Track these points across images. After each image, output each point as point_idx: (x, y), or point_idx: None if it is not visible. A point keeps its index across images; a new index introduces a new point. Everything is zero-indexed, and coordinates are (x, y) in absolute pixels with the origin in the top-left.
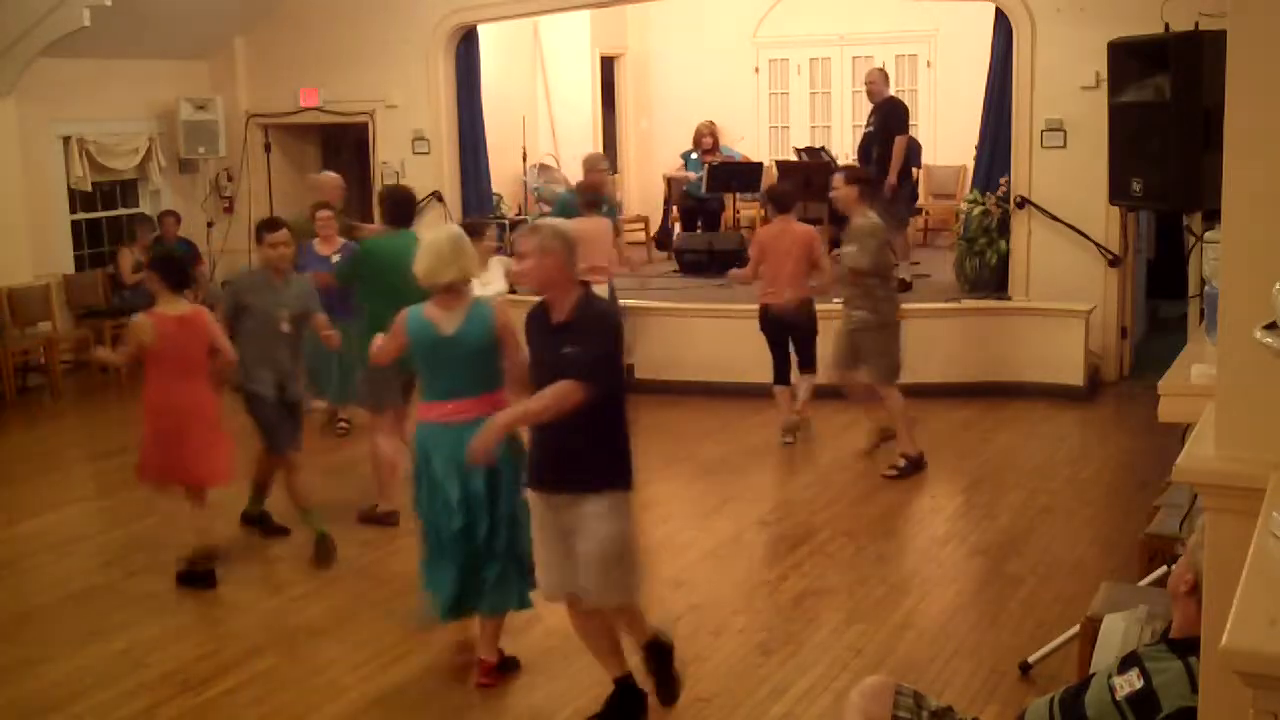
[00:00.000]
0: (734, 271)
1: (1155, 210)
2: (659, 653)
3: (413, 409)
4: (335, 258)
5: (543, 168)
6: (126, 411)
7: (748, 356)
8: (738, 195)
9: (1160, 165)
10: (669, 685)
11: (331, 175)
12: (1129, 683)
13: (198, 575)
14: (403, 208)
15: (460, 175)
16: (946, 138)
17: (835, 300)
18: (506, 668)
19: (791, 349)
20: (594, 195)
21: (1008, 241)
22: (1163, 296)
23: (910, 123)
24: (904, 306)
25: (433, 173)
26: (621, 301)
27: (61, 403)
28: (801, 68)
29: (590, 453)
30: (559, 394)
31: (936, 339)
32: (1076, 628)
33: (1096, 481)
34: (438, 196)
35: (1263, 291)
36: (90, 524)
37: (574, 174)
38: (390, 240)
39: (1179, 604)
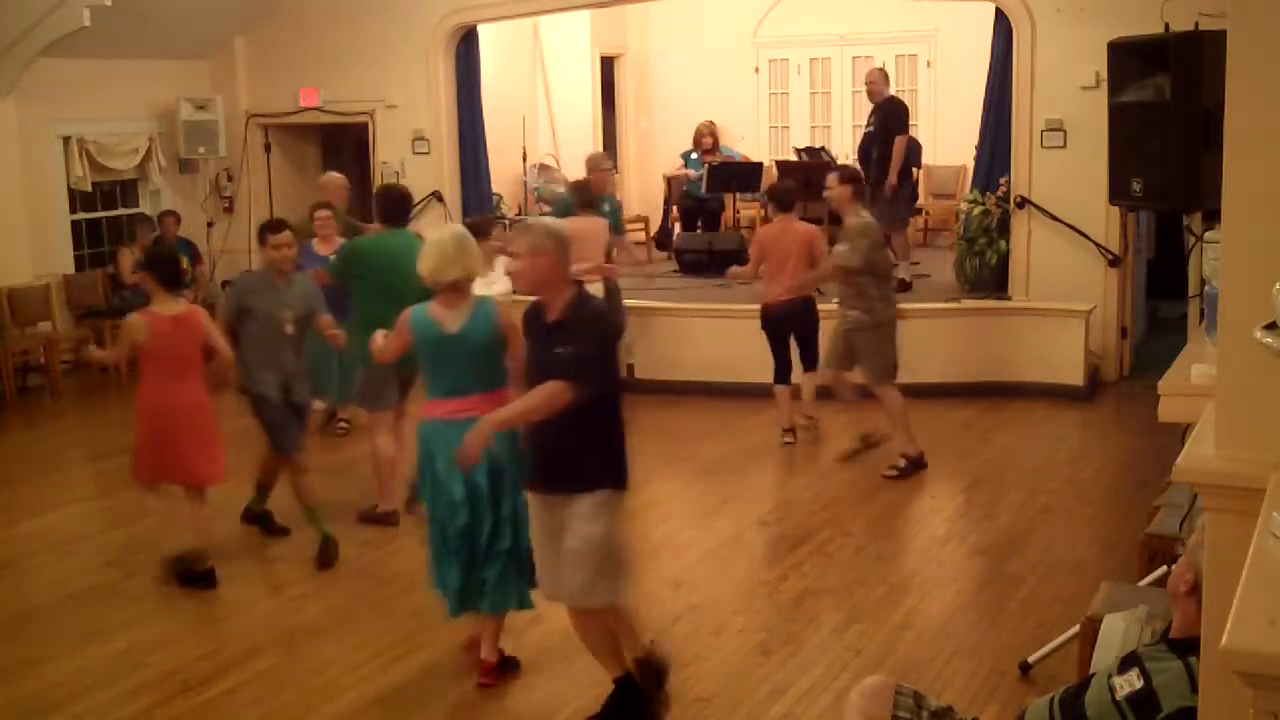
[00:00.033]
0: (734, 269)
1: (1155, 210)
2: (646, 676)
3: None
4: (333, 258)
5: (543, 168)
6: (126, 411)
7: (748, 356)
8: (738, 195)
9: (1160, 165)
10: (643, 714)
11: (336, 176)
12: (1129, 683)
13: (197, 575)
14: (397, 207)
15: (460, 175)
16: (946, 138)
17: (835, 300)
18: (506, 668)
19: (794, 349)
20: (589, 195)
21: (1008, 241)
22: (1163, 296)
23: (910, 123)
24: (904, 306)
25: (433, 173)
26: (626, 301)
27: (61, 403)
28: (801, 68)
29: (582, 452)
30: (548, 394)
31: (936, 339)
32: (1076, 628)
33: (1096, 481)
34: (438, 196)
35: (1263, 291)
36: (90, 524)
37: (574, 174)
38: (383, 239)
39: (1179, 604)
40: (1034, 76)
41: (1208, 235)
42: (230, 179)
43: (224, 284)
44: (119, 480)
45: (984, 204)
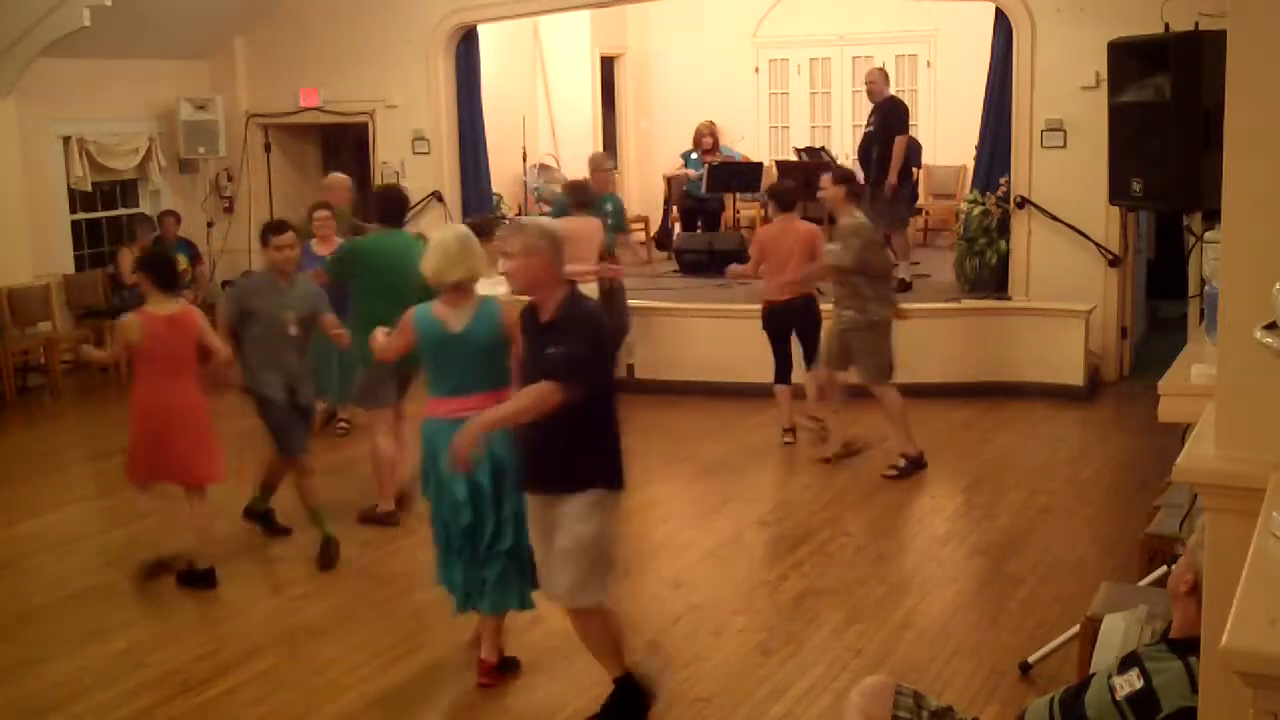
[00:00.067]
0: (734, 266)
1: (1155, 210)
2: (630, 693)
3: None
4: (330, 257)
5: (543, 168)
6: (126, 411)
7: (748, 356)
8: (738, 195)
9: (1160, 165)
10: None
11: (341, 177)
12: (1129, 683)
13: (198, 575)
14: (394, 207)
15: (460, 175)
16: (946, 138)
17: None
18: (506, 668)
19: (795, 348)
20: (584, 195)
21: (1008, 241)
22: (1163, 296)
23: (910, 123)
24: (904, 306)
25: (433, 173)
26: (630, 302)
27: (61, 403)
28: (801, 68)
29: (573, 453)
30: (537, 395)
31: (936, 339)
32: (1076, 628)
33: (1096, 481)
34: (438, 196)
35: (1263, 291)
36: (90, 524)
37: (574, 174)
38: (380, 239)
39: (1179, 604)
40: (1034, 76)
41: (1208, 235)
42: (230, 179)
43: (224, 284)
44: (119, 480)
45: (984, 204)
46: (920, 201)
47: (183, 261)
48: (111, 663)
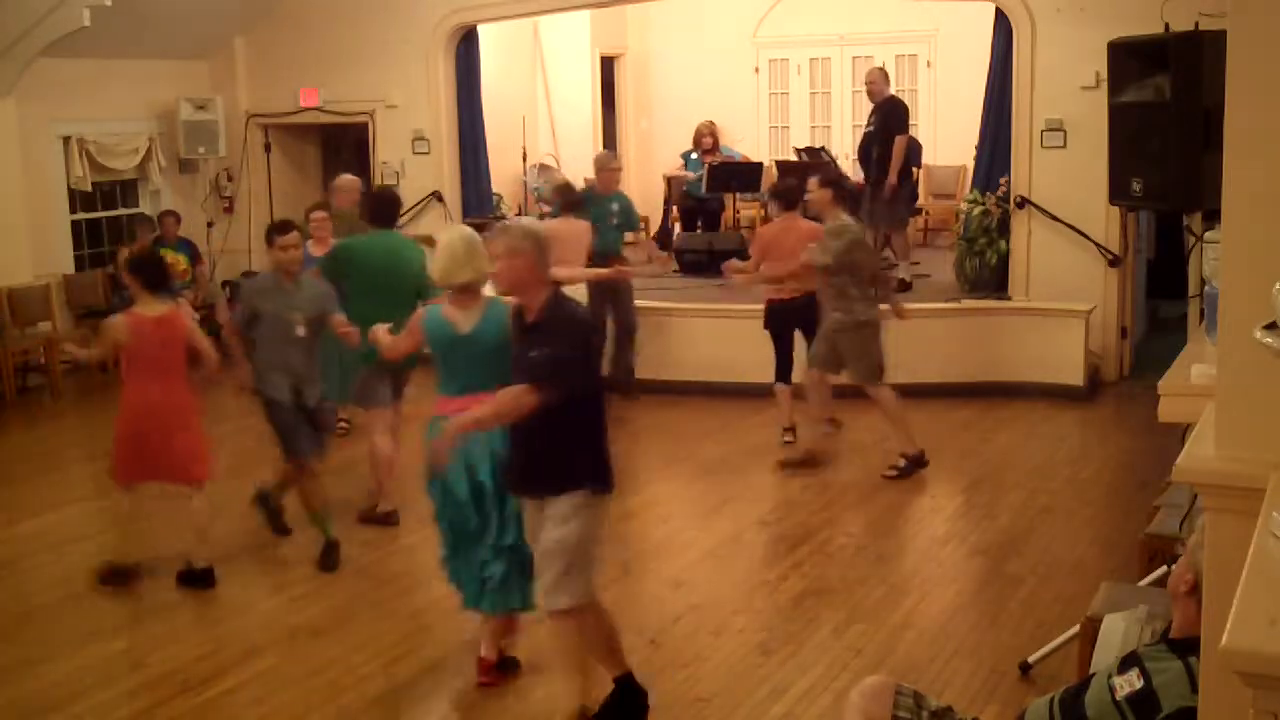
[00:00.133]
0: (732, 261)
1: (1155, 210)
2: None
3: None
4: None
5: (543, 168)
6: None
7: (748, 356)
8: (738, 195)
9: (1160, 165)
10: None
11: (352, 179)
12: (1129, 683)
13: (197, 575)
14: (385, 208)
15: (460, 175)
16: (946, 138)
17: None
18: (506, 667)
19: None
20: (573, 197)
21: (1008, 241)
22: (1163, 296)
23: (910, 123)
24: (905, 306)
25: (433, 173)
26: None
27: (61, 403)
28: (801, 68)
29: (557, 455)
30: (513, 398)
31: (936, 339)
32: (1076, 628)
33: (1096, 481)
34: (438, 196)
35: (1263, 291)
36: (90, 524)
37: (574, 174)
38: (373, 239)
39: (1179, 604)
40: (1034, 76)
41: (1208, 235)
42: (230, 179)
43: (224, 284)
44: None
45: (984, 204)
46: (920, 201)
47: (183, 261)
48: (111, 663)
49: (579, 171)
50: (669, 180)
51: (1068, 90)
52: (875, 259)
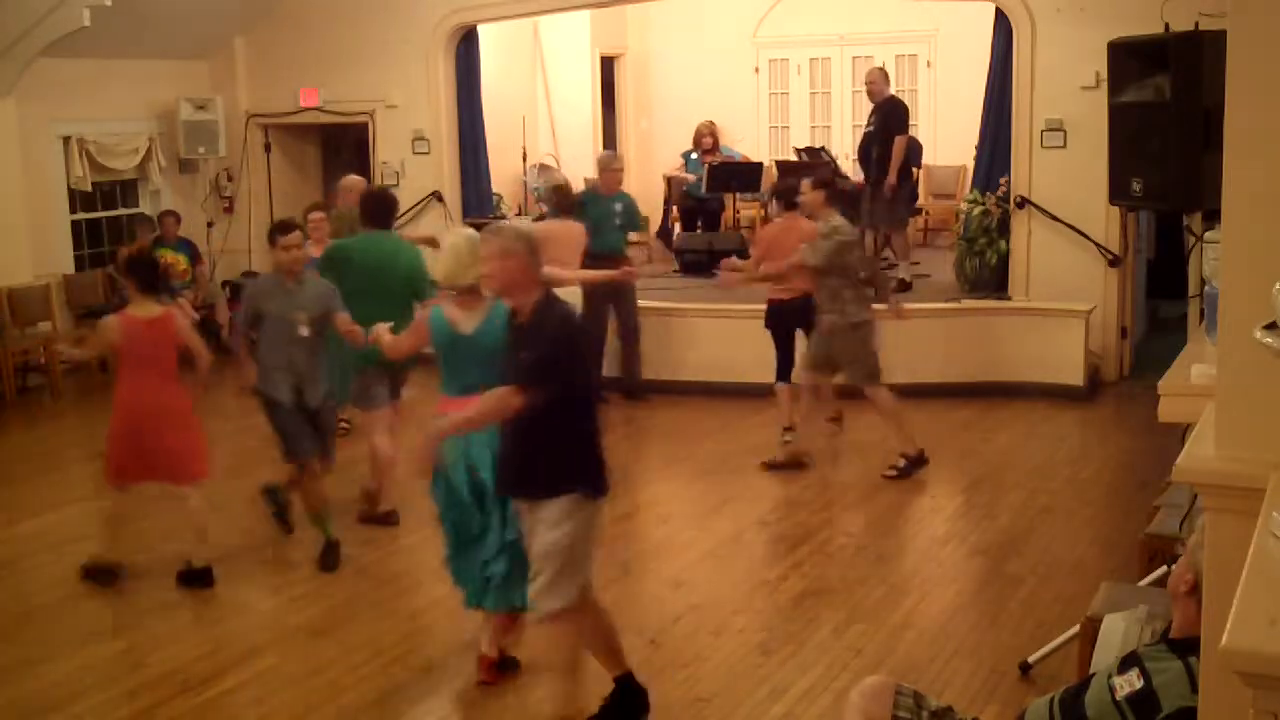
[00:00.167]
0: (732, 260)
1: (1155, 210)
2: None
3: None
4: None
5: (543, 168)
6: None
7: (748, 356)
8: (738, 195)
9: (1160, 165)
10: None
11: (358, 179)
12: (1129, 683)
13: (196, 574)
14: (380, 209)
15: (460, 175)
16: (946, 138)
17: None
18: (506, 666)
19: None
20: (566, 199)
21: (1008, 241)
22: (1163, 296)
23: (910, 123)
24: (905, 306)
25: (433, 173)
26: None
27: (61, 403)
28: (801, 68)
29: (546, 458)
30: (497, 400)
31: (936, 339)
32: (1076, 628)
33: (1096, 481)
34: (438, 196)
35: (1263, 291)
36: (90, 524)
37: (574, 174)
38: (368, 240)
39: (1179, 604)
40: (1034, 76)
41: (1208, 235)
42: (230, 179)
43: (224, 284)
44: None
45: (984, 204)
46: (920, 201)
47: (183, 261)
48: (111, 663)
49: (579, 171)
50: (669, 180)
51: (1068, 90)
52: (869, 260)
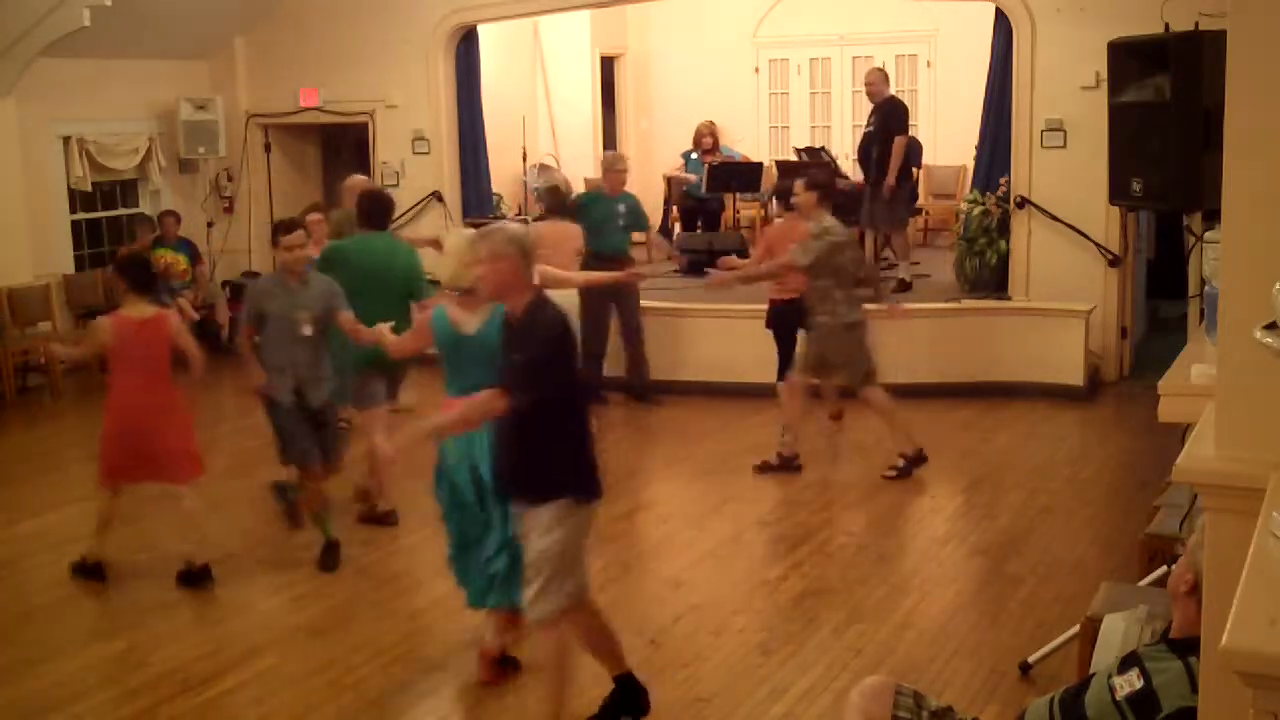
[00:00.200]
0: (731, 258)
1: (1155, 210)
2: (629, 691)
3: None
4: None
5: (543, 168)
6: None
7: (748, 356)
8: (738, 195)
9: (1160, 165)
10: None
11: (362, 178)
12: (1129, 683)
13: (195, 574)
14: (377, 210)
15: (460, 175)
16: (946, 138)
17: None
18: (507, 665)
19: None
20: (560, 200)
21: (1008, 241)
22: (1163, 296)
23: (910, 123)
24: (905, 306)
25: (433, 173)
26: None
27: (61, 403)
28: (801, 68)
29: (536, 462)
30: (482, 402)
31: (937, 339)
32: (1076, 628)
33: (1096, 481)
34: (438, 196)
35: (1263, 291)
36: (90, 524)
37: (574, 174)
38: (364, 240)
39: (1179, 604)
40: (1034, 76)
41: (1208, 235)
42: (230, 179)
43: (224, 284)
44: None
45: (984, 204)
46: (920, 201)
47: (183, 261)
48: (112, 663)
49: (579, 171)
50: (669, 180)
51: (1068, 90)
52: (863, 260)
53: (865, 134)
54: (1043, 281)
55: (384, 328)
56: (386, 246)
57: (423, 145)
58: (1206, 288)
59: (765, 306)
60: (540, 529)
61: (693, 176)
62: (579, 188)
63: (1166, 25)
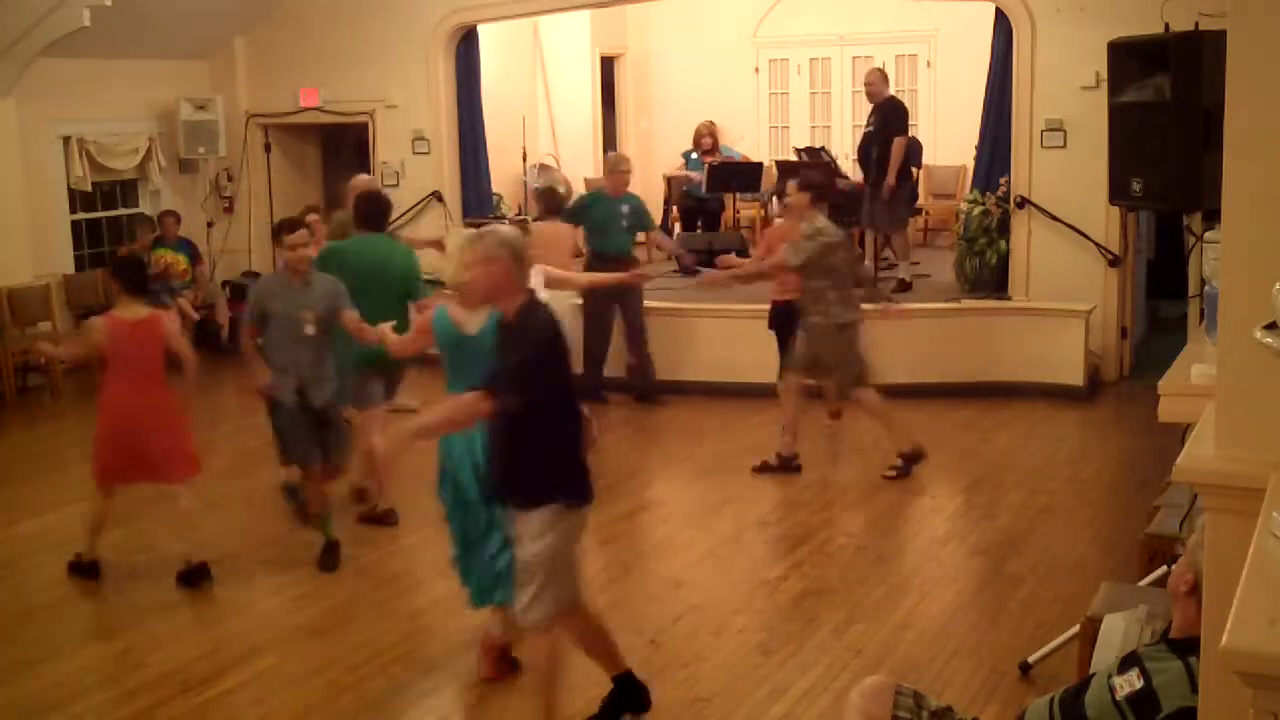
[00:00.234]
0: (729, 257)
1: (1155, 210)
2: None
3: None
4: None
5: (543, 168)
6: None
7: (748, 356)
8: (738, 195)
9: (1160, 165)
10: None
11: (367, 178)
12: (1129, 683)
13: (193, 572)
14: (374, 211)
15: (460, 175)
16: (946, 138)
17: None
18: (507, 663)
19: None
20: (554, 201)
21: (1008, 241)
22: (1163, 296)
23: (910, 123)
24: (905, 306)
25: (433, 173)
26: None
27: (61, 403)
28: (801, 68)
29: (526, 467)
30: (466, 403)
31: (937, 339)
32: (1076, 628)
33: (1096, 481)
34: (438, 196)
35: (1263, 291)
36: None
37: (574, 174)
38: (362, 241)
39: (1179, 604)
40: (1034, 76)
41: (1208, 235)
42: (230, 179)
43: (224, 284)
44: None
45: (984, 204)
46: (920, 201)
47: (183, 261)
48: (111, 663)
49: (579, 171)
50: (669, 180)
51: (1068, 90)
52: (850, 260)
53: (865, 134)
54: (1043, 281)
55: (386, 327)
56: (384, 248)
57: (423, 145)
58: (1206, 288)
59: (767, 307)
60: (531, 534)
61: (695, 175)
62: (579, 188)
63: (1166, 25)
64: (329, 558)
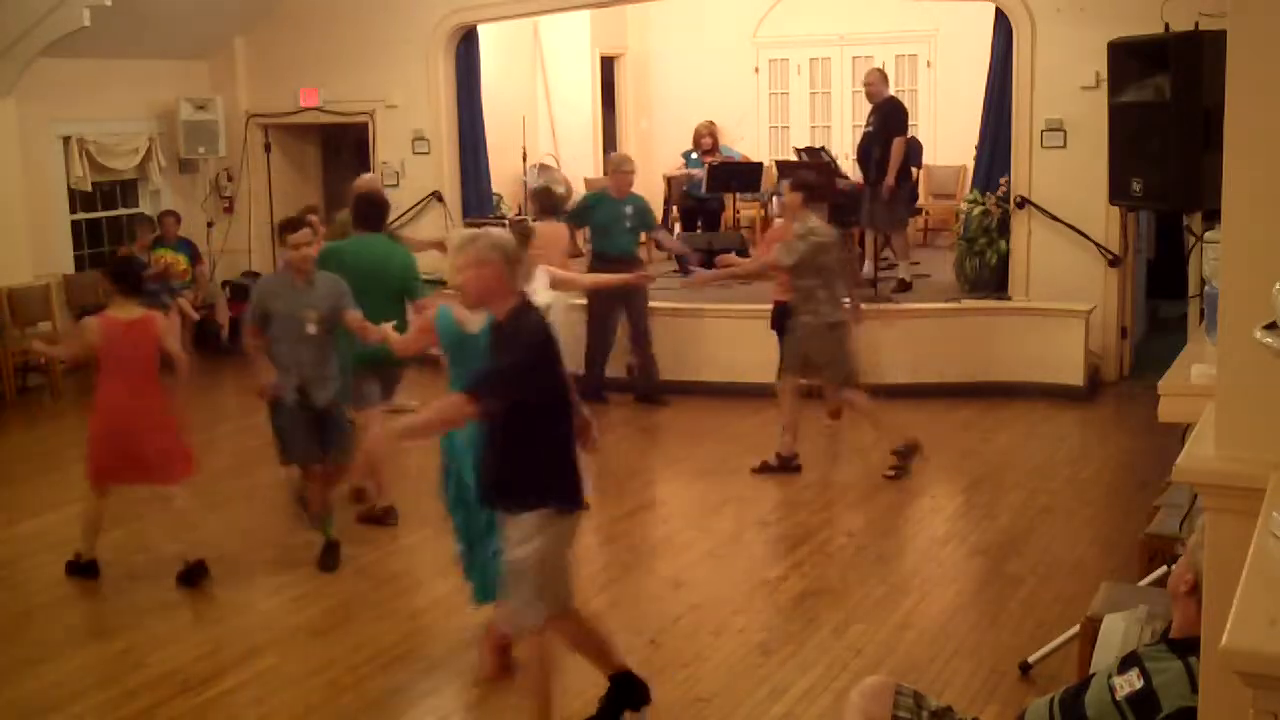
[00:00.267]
0: (729, 256)
1: (1155, 210)
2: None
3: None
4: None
5: (543, 168)
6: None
7: (748, 356)
8: (738, 195)
9: (1160, 165)
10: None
11: (371, 177)
12: (1129, 683)
13: (191, 571)
14: (372, 211)
15: (460, 175)
16: (946, 138)
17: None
18: (508, 661)
19: None
20: (549, 202)
21: (1008, 241)
22: (1163, 296)
23: (910, 123)
24: (905, 306)
25: (433, 173)
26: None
27: (61, 403)
28: (801, 68)
29: (516, 471)
30: (450, 406)
31: (937, 339)
32: (1076, 628)
33: (1096, 481)
34: (438, 196)
35: (1263, 291)
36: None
37: (574, 174)
38: (359, 242)
39: (1179, 604)
40: (1034, 76)
41: (1208, 235)
42: (230, 179)
43: (224, 284)
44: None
45: (984, 204)
46: (920, 201)
47: (183, 261)
48: (111, 663)
49: (579, 171)
50: (669, 180)
51: (1068, 90)
52: (842, 260)
53: (865, 134)
54: (1043, 281)
55: (388, 327)
56: (382, 248)
57: (423, 145)
58: (1206, 288)
59: (768, 307)
60: (517, 539)
61: (697, 173)
62: (579, 188)
63: (1166, 25)
64: (329, 558)
